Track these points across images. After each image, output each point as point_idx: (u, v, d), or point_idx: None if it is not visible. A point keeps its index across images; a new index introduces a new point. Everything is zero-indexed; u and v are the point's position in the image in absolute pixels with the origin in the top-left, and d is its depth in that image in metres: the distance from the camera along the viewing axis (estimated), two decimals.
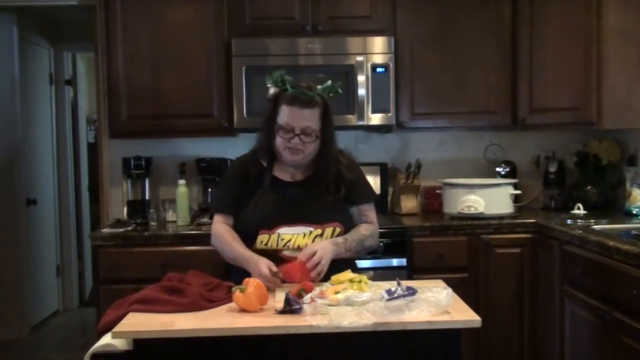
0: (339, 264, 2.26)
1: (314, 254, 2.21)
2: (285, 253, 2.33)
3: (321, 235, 2.35)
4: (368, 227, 2.46)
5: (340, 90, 2.40)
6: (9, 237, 5.01)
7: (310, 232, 2.35)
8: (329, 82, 2.39)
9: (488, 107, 3.77)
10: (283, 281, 2.20)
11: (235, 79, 3.54)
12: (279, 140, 2.35)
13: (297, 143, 2.31)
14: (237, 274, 2.27)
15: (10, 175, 5.04)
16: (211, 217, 2.60)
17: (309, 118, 2.31)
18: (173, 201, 3.73)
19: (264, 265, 2.20)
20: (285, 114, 2.32)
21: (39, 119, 5.50)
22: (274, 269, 2.20)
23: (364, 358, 1.91)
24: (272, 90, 2.38)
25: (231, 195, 2.47)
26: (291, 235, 2.34)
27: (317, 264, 2.21)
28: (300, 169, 2.43)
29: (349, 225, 2.43)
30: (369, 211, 2.50)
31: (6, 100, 5.03)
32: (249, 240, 2.35)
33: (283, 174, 2.44)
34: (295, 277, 2.18)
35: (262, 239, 2.34)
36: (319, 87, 2.36)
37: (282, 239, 2.33)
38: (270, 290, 2.12)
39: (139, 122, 3.66)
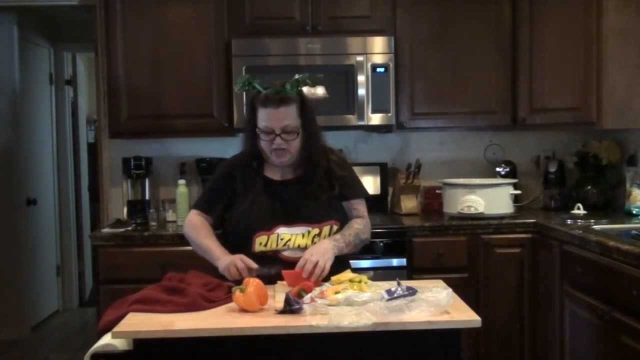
0: (336, 265, 2.25)
1: (305, 263, 2.18)
2: (285, 254, 2.32)
3: (319, 234, 2.35)
4: (360, 221, 2.46)
5: (309, 82, 2.37)
6: (9, 237, 5.01)
7: (309, 232, 2.34)
8: (297, 75, 2.36)
9: (488, 107, 3.77)
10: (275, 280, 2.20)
11: (235, 79, 3.53)
12: (263, 144, 2.35)
13: (280, 143, 2.31)
14: None
15: (10, 175, 5.04)
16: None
17: (286, 116, 2.30)
18: (173, 201, 3.74)
19: (237, 258, 2.22)
20: (263, 117, 2.31)
21: (39, 119, 5.50)
22: (249, 262, 2.21)
23: (364, 358, 1.91)
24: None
25: (212, 196, 2.48)
26: (290, 235, 2.33)
27: (315, 266, 2.17)
28: (289, 167, 2.42)
29: (344, 222, 2.44)
30: (360, 205, 2.51)
31: (6, 100, 5.03)
32: (244, 243, 2.32)
33: (274, 174, 2.44)
34: (300, 281, 2.16)
35: (261, 240, 2.33)
36: (287, 83, 2.34)
37: (282, 239, 2.33)
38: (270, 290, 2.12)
39: (138, 122, 3.66)
